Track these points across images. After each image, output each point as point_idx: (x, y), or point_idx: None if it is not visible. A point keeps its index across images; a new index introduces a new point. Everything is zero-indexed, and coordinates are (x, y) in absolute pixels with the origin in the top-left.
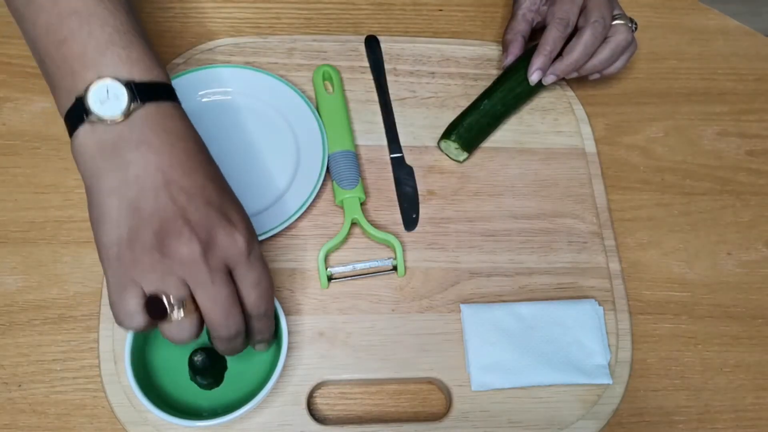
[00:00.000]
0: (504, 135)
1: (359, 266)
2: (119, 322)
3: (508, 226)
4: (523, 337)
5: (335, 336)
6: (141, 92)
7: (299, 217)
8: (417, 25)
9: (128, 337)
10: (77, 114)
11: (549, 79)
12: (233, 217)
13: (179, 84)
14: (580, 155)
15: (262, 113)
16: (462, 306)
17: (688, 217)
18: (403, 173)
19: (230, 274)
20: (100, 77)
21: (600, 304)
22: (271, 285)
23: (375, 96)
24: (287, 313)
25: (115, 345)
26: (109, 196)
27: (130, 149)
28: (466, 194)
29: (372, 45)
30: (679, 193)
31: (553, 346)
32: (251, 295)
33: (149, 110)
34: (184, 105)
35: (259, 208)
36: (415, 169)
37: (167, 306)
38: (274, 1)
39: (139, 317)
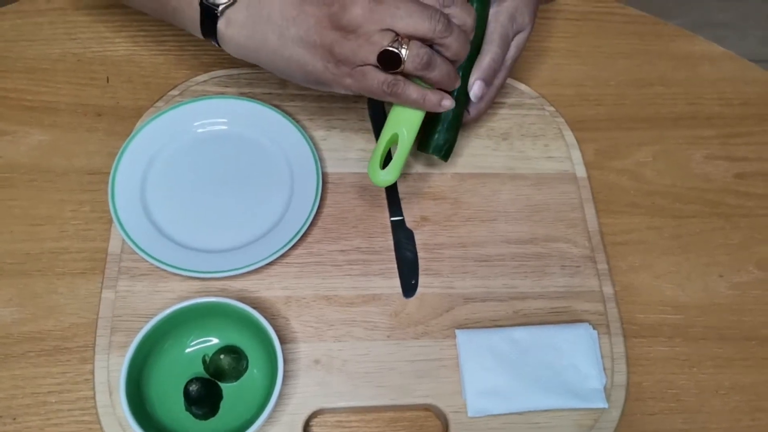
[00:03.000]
0: (496, 161)
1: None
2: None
3: (501, 251)
4: (518, 362)
5: (331, 363)
6: None
7: (294, 245)
8: None
9: (123, 368)
10: (210, 17)
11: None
12: None
13: (175, 115)
14: (571, 180)
15: (256, 143)
16: (457, 331)
17: (679, 240)
18: (402, 237)
19: None
20: None
21: (594, 328)
22: None
23: (369, 125)
24: (283, 342)
25: (111, 376)
26: (280, 46)
27: (261, 7)
28: (460, 220)
29: None
30: (669, 216)
31: (549, 371)
32: None
33: None
34: (180, 136)
35: (255, 236)
36: (407, 196)
37: (393, 50)
38: None
39: (383, 75)
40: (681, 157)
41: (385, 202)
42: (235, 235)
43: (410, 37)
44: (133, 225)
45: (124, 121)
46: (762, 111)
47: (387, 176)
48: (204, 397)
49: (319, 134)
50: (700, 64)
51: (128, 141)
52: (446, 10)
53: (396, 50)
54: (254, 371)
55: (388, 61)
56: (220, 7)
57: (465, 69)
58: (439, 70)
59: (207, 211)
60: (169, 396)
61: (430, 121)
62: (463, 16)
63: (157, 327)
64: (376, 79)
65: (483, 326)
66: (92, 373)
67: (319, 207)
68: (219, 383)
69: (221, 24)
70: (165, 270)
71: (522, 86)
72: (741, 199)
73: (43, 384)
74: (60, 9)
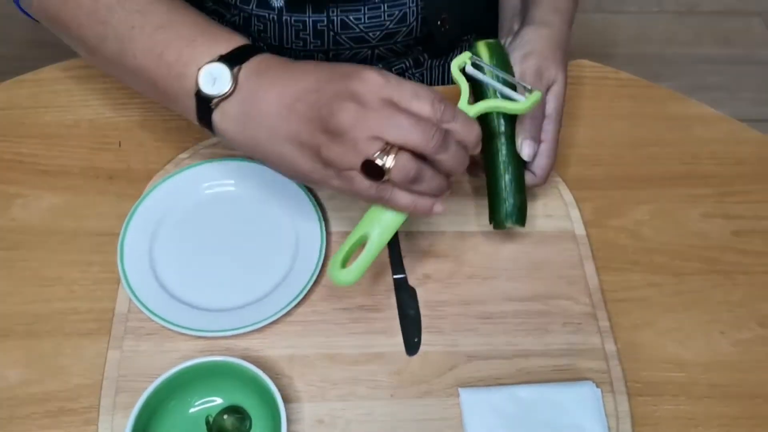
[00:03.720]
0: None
1: (500, 73)
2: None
3: (503, 308)
4: (522, 421)
5: (334, 423)
6: (233, 60)
7: (297, 304)
8: None
9: (127, 430)
10: (204, 108)
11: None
12: (354, 71)
13: (185, 177)
14: (571, 238)
15: (262, 203)
16: (460, 390)
17: (680, 297)
18: (405, 295)
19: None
20: (200, 67)
21: (598, 386)
22: (426, 87)
23: None
24: (286, 401)
25: None
26: (271, 143)
27: (254, 103)
28: (461, 277)
29: None
30: (669, 274)
31: (553, 430)
32: (419, 104)
33: (246, 69)
34: (189, 197)
35: (260, 295)
36: (410, 254)
37: (377, 161)
38: None
39: (365, 181)
40: (678, 216)
41: (387, 260)
42: (240, 293)
43: (401, 148)
44: (141, 285)
45: (134, 183)
46: (756, 170)
47: (347, 276)
48: None
49: (323, 194)
50: (693, 125)
51: (138, 203)
52: (445, 125)
53: (380, 161)
54: None
55: (371, 172)
56: (215, 100)
57: (508, 132)
58: (428, 184)
59: (213, 270)
60: None
61: (493, 194)
62: (464, 132)
63: (161, 387)
64: (363, 184)
65: (486, 384)
66: None
67: (323, 265)
68: None
69: (216, 116)
70: (170, 329)
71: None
72: (739, 257)
73: None
74: (76, 77)
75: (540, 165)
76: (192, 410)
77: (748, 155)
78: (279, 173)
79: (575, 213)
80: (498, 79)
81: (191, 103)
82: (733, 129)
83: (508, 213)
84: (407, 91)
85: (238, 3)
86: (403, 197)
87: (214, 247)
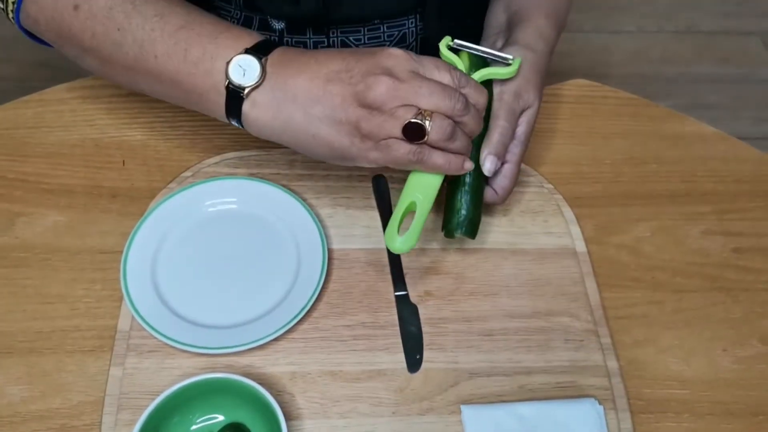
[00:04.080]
0: (497, 237)
1: (481, 47)
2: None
3: (504, 325)
4: None
5: None
6: (259, 51)
7: (299, 321)
8: None
9: None
10: (235, 100)
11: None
12: (378, 50)
13: (187, 196)
14: (571, 255)
15: (265, 221)
16: (462, 407)
17: (682, 314)
18: (407, 312)
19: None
20: (228, 61)
21: (600, 403)
22: (444, 61)
23: (373, 203)
24: (288, 418)
25: None
26: (306, 125)
27: (286, 89)
28: (462, 294)
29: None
30: (670, 291)
31: None
32: (440, 74)
33: (272, 59)
34: (191, 215)
35: (262, 311)
36: (411, 271)
37: (418, 122)
38: None
39: (409, 145)
40: (678, 233)
41: (389, 277)
42: (243, 310)
43: (432, 112)
44: (143, 302)
45: (137, 202)
46: (755, 188)
47: (406, 243)
48: None
49: (325, 212)
50: (692, 143)
51: (141, 221)
52: (462, 90)
53: (420, 122)
54: None
55: (414, 133)
56: (246, 90)
57: (477, 144)
58: (460, 142)
59: (215, 287)
60: None
61: (449, 204)
62: (476, 96)
63: (163, 404)
64: (402, 150)
65: (488, 401)
66: None
67: (325, 282)
68: None
69: (246, 106)
70: (172, 346)
71: (522, 165)
72: (740, 274)
73: None
74: (81, 97)
75: (502, 185)
76: (194, 428)
77: (748, 173)
78: (311, 155)
79: (576, 230)
80: (481, 52)
81: (219, 98)
82: (733, 147)
83: (459, 223)
84: (429, 64)
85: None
86: (438, 156)
87: (217, 264)
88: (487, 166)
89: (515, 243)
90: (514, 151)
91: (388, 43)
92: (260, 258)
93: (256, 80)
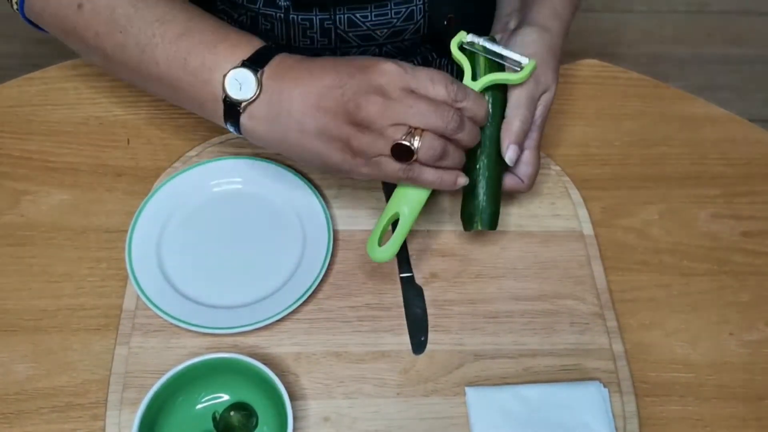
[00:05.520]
0: (504, 219)
1: (495, 48)
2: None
3: (510, 308)
4: (529, 421)
5: (340, 421)
6: (255, 63)
7: (304, 302)
8: None
9: (134, 425)
10: (232, 113)
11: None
12: (371, 64)
13: (192, 175)
14: (578, 237)
15: (270, 201)
16: (467, 389)
17: (689, 298)
18: (412, 294)
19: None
20: (225, 74)
21: (605, 386)
22: (438, 71)
23: (379, 184)
24: (292, 399)
25: None
26: (300, 139)
27: (281, 103)
28: (468, 276)
29: None
30: (677, 274)
31: (560, 430)
32: (435, 89)
33: (268, 71)
34: (196, 195)
35: (267, 292)
36: (417, 253)
37: (405, 142)
38: None
39: (398, 164)
40: (687, 216)
41: (395, 258)
42: (248, 291)
43: (424, 129)
44: (148, 282)
45: (142, 181)
46: (765, 171)
47: (384, 253)
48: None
49: (330, 193)
50: (702, 125)
51: (146, 200)
52: (458, 104)
53: (408, 143)
54: (264, 428)
55: (401, 154)
56: (243, 104)
57: (493, 135)
58: (452, 159)
59: (220, 268)
60: None
61: (469, 197)
62: (475, 109)
63: (168, 384)
64: (392, 167)
65: (493, 384)
66: (103, 429)
67: (330, 263)
68: None
69: (244, 118)
70: (178, 326)
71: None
72: (749, 257)
73: None
74: (85, 75)
75: (526, 173)
76: (199, 407)
77: (758, 155)
78: (307, 165)
79: (583, 212)
80: (494, 53)
81: (218, 107)
82: (743, 129)
83: (481, 217)
84: (423, 78)
85: (245, 2)
86: (429, 174)
87: (222, 244)
88: (510, 155)
89: (522, 225)
90: (533, 136)
91: (395, 20)
92: (265, 239)
93: (252, 95)
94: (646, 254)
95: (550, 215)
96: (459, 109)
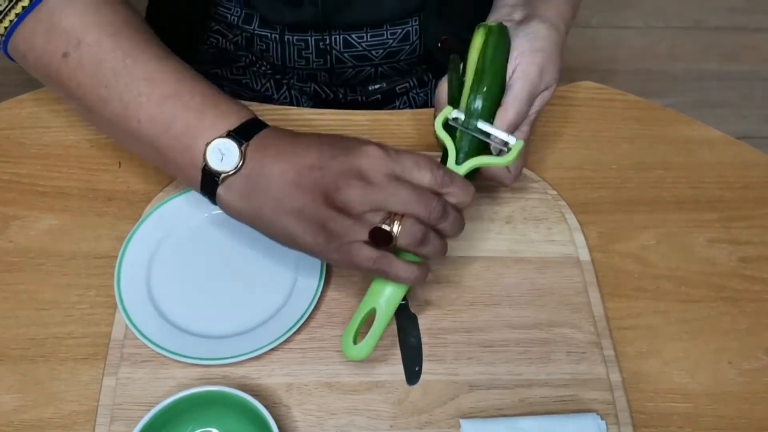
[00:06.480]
0: (499, 244)
1: (482, 126)
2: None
3: (505, 336)
4: None
5: None
6: (241, 135)
7: (296, 331)
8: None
9: None
10: (210, 182)
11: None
12: (355, 146)
13: (184, 201)
14: (575, 264)
15: None
16: (462, 421)
17: (687, 325)
18: (407, 323)
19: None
20: (208, 142)
21: (602, 418)
22: (424, 156)
23: None
24: None
25: None
26: (275, 216)
27: (260, 178)
28: (463, 304)
29: None
30: (675, 301)
31: None
32: (420, 174)
33: (253, 144)
34: (187, 221)
35: (259, 321)
36: None
37: (385, 228)
38: None
39: (371, 252)
40: (685, 241)
41: None
42: (239, 320)
43: (403, 215)
44: (137, 310)
45: (133, 205)
46: (763, 194)
47: (360, 351)
48: None
49: None
50: (699, 148)
51: (137, 226)
52: (444, 189)
53: (387, 228)
54: None
55: (380, 239)
56: (222, 176)
57: (487, 115)
58: (433, 246)
59: (211, 296)
60: None
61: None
62: (461, 196)
63: (156, 417)
64: (363, 256)
65: (488, 415)
66: None
67: (323, 290)
68: None
69: (221, 189)
70: (167, 357)
71: (524, 170)
72: (747, 284)
73: None
74: None
75: (515, 164)
76: None
77: (756, 179)
78: (279, 244)
79: (580, 238)
80: (480, 132)
81: (196, 175)
82: (740, 151)
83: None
84: (408, 163)
85: (240, 23)
86: (401, 268)
87: (212, 272)
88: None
89: (517, 251)
90: (524, 129)
91: (391, 41)
92: (257, 267)
93: (234, 168)
94: (644, 280)
95: (545, 240)
96: (443, 196)
